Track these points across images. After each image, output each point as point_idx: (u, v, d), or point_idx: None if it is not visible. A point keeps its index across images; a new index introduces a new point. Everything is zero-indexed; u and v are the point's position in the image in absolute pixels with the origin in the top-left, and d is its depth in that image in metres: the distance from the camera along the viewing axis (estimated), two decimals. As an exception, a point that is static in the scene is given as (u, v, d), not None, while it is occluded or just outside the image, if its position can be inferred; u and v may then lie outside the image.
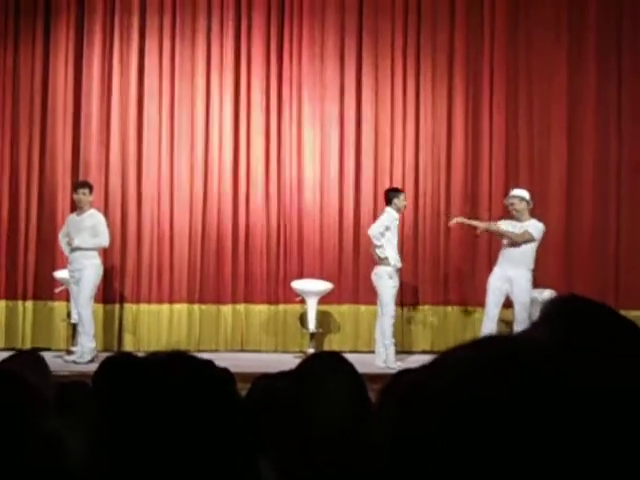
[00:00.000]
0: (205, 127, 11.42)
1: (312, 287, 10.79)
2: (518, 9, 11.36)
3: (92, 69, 11.43)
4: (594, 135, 11.24)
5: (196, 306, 11.26)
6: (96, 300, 10.42)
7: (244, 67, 11.44)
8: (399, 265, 9.94)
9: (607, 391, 0.69)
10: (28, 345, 10.85)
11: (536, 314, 0.82)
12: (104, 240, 10.02)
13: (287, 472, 2.20)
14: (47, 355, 5.08)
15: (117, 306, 11.27)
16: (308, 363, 2.61)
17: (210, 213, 11.35)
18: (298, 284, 10.86)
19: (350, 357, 2.72)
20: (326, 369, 2.52)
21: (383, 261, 9.81)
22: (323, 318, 11.00)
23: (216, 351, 10.77)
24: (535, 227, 9.64)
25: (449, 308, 11.20)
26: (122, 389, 1.50)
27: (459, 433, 0.68)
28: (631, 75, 11.22)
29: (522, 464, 0.67)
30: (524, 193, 9.83)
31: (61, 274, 10.57)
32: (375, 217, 10.88)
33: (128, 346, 10.94)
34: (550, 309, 0.79)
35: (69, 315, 10.77)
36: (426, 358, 0.81)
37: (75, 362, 9.67)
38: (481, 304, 10.03)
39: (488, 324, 9.55)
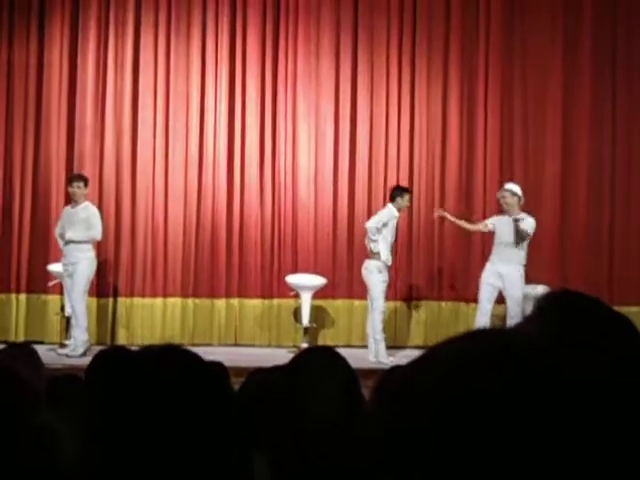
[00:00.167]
0: (200, 122, 11.41)
1: (306, 282, 10.79)
2: (513, 7, 11.37)
3: (87, 64, 11.41)
4: (588, 131, 11.26)
5: (190, 300, 11.25)
6: (90, 294, 10.41)
7: (239, 63, 11.43)
8: (389, 263, 9.95)
9: (599, 385, 0.69)
10: (21, 338, 10.84)
11: (529, 309, 0.82)
12: (97, 233, 10.01)
13: (281, 466, 2.20)
14: (40, 348, 5.08)
15: (111, 300, 11.26)
16: (302, 358, 2.61)
17: (204, 208, 11.34)
18: (292, 279, 10.87)
19: (344, 352, 2.72)
20: (319, 364, 2.53)
21: (374, 255, 9.82)
22: (317, 313, 11.00)
23: (210, 345, 10.77)
24: (529, 224, 9.66)
25: (443, 303, 11.22)
26: (115, 382, 1.50)
27: (451, 427, 0.68)
28: (625, 73, 11.24)
29: (515, 458, 0.67)
30: (516, 188, 9.88)
31: (55, 267, 10.56)
32: (370, 212, 10.89)
33: (121, 340, 10.93)
34: (543, 304, 0.79)
35: (62, 308, 10.76)
36: (419, 353, 0.81)
37: (68, 355, 9.66)
38: (475, 299, 10.06)
39: (481, 319, 9.58)
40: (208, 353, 1.71)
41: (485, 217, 10.53)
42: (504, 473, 0.67)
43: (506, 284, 9.59)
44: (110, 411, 1.46)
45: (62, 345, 10.36)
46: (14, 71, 11.44)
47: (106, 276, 11.18)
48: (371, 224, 9.90)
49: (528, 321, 0.77)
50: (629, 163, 11.25)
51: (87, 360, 3.47)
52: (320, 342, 10.74)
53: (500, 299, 9.78)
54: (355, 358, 3.43)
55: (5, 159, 11.42)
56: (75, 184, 10.07)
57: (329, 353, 2.64)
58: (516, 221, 9.58)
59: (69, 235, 9.86)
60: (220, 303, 11.25)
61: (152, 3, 11.41)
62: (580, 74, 11.27)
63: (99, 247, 10.51)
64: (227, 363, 2.60)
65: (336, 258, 11.26)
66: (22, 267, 11.29)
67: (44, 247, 11.13)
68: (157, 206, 11.34)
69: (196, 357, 1.55)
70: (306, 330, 10.69)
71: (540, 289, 9.72)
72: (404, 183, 10.89)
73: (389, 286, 10.12)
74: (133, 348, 1.99)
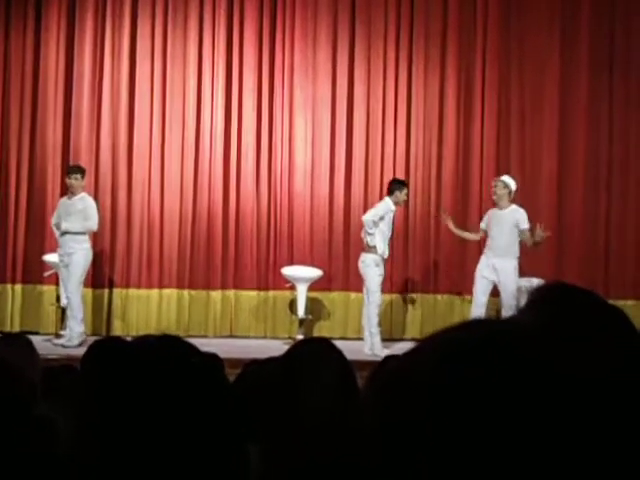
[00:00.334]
0: (196, 113, 11.40)
1: (302, 274, 10.79)
2: (511, 3, 11.36)
3: (83, 55, 11.39)
4: (585, 125, 11.27)
5: (185, 291, 11.25)
6: (85, 285, 10.41)
7: (236, 54, 11.41)
8: (386, 256, 9.94)
9: (592, 376, 0.69)
10: (17, 329, 10.82)
11: (524, 302, 0.82)
12: (94, 224, 10.01)
13: (275, 458, 2.21)
14: (36, 339, 5.08)
15: (106, 291, 11.26)
16: (297, 349, 2.61)
17: (200, 199, 11.34)
18: (288, 270, 10.87)
19: (339, 344, 2.72)
20: (315, 355, 2.53)
21: (371, 249, 9.81)
22: (313, 305, 11.01)
23: (205, 337, 10.78)
24: (524, 220, 9.71)
25: (438, 296, 11.23)
26: (110, 373, 1.50)
27: (445, 417, 0.68)
28: (623, 70, 11.24)
29: (508, 448, 0.67)
30: (510, 180, 9.91)
31: (51, 258, 10.55)
32: (366, 204, 10.90)
33: (117, 331, 10.92)
34: (537, 296, 0.80)
35: (58, 299, 10.76)
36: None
37: (64, 346, 9.66)
38: (470, 292, 10.09)
39: (476, 312, 9.60)
40: (203, 344, 1.71)
41: (481, 211, 10.55)
42: (499, 462, 0.67)
43: (500, 277, 9.63)
44: (106, 401, 1.46)
45: (58, 335, 10.35)
46: (10, 62, 11.43)
47: (102, 267, 11.18)
48: (368, 217, 9.88)
49: (522, 313, 0.78)
50: (626, 160, 11.26)
51: (83, 350, 3.47)
52: (316, 334, 10.73)
53: (495, 292, 9.80)
54: (350, 350, 3.43)
55: (1, 149, 11.41)
56: (73, 176, 10.06)
57: (325, 345, 2.65)
58: (522, 232, 9.67)
59: (65, 226, 9.85)
60: (216, 294, 11.25)
61: (149, -6, 11.40)
62: (577, 70, 11.27)
63: (95, 238, 10.51)
64: (222, 354, 2.60)
65: (332, 250, 11.27)
66: (18, 257, 11.29)
67: (40, 237, 11.13)
68: (153, 197, 11.33)
69: (192, 347, 1.55)
70: (302, 322, 10.70)
71: (535, 282, 9.74)
72: (400, 176, 10.88)
73: (385, 279, 10.13)
74: (128, 339, 1.99)
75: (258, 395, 2.39)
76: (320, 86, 11.40)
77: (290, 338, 10.41)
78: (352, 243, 10.95)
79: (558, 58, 11.27)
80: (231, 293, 11.28)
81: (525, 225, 9.70)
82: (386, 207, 9.91)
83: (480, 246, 10.40)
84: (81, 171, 10.17)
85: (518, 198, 10.04)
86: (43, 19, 11.43)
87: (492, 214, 9.86)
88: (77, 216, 9.91)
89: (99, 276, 11.15)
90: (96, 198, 10.55)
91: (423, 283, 11.27)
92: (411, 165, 11.36)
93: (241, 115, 11.40)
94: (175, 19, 11.40)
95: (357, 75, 11.41)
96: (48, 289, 11.10)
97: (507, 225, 9.68)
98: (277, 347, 8.78)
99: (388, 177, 10.75)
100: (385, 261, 9.99)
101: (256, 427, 2.17)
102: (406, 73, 11.40)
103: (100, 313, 11.17)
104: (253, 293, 11.26)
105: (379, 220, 9.80)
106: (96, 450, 1.44)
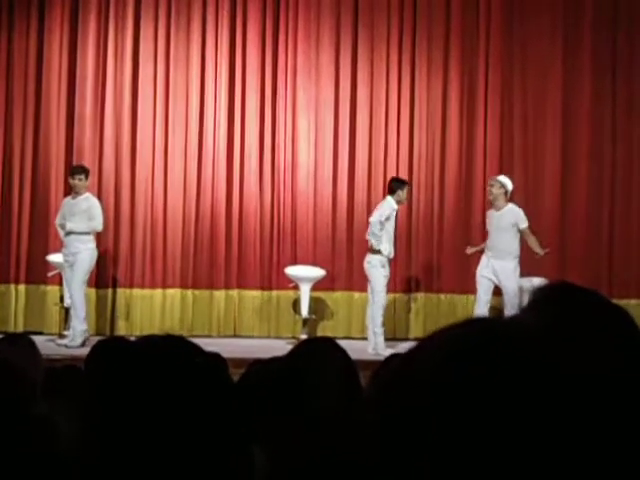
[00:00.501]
0: (199, 114, 11.41)
1: (305, 273, 10.80)
2: (513, 6, 11.36)
3: (87, 56, 11.40)
4: (588, 128, 11.27)
5: (189, 291, 11.26)
6: (89, 284, 10.42)
7: (239, 56, 11.42)
8: (391, 256, 9.95)
9: (595, 375, 0.69)
10: (20, 329, 10.83)
11: (526, 302, 0.82)
12: (98, 224, 10.02)
13: (280, 457, 2.21)
14: (39, 339, 5.08)
15: (110, 291, 11.27)
16: (301, 349, 2.61)
17: (204, 199, 11.34)
18: (291, 270, 10.87)
19: (343, 343, 2.73)
20: (319, 355, 2.53)
21: (376, 251, 9.80)
22: (316, 304, 11.01)
23: (209, 336, 10.78)
24: (522, 219, 9.72)
25: (442, 296, 11.23)
26: (114, 372, 1.50)
27: (448, 415, 0.69)
28: (625, 74, 11.24)
29: (511, 446, 0.67)
30: (506, 180, 9.93)
31: (54, 258, 10.56)
32: (369, 204, 10.90)
33: (121, 331, 10.93)
34: (539, 295, 0.80)
35: (62, 299, 10.76)
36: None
37: (67, 346, 9.67)
38: (473, 291, 10.12)
39: (479, 311, 9.64)
40: (207, 344, 1.71)
41: (484, 215, 10.54)
42: (502, 460, 0.68)
43: (500, 277, 9.67)
44: (109, 401, 1.46)
45: (61, 336, 10.36)
46: (14, 63, 11.44)
47: (105, 267, 11.18)
48: (375, 219, 9.84)
49: (524, 312, 0.78)
50: (629, 163, 11.27)
51: (86, 350, 3.48)
52: (319, 334, 10.74)
53: (498, 291, 9.83)
54: (354, 350, 3.43)
55: (5, 150, 11.42)
56: (76, 176, 10.07)
57: (329, 344, 2.65)
58: (523, 231, 9.69)
59: (70, 226, 9.86)
60: (219, 294, 11.25)
61: (152, -5, 11.41)
62: (580, 74, 11.27)
63: (98, 238, 10.51)
64: (226, 354, 2.60)
65: (335, 250, 11.27)
66: (21, 257, 11.30)
67: (43, 237, 11.14)
68: (156, 197, 11.34)
69: (196, 347, 1.55)
70: (305, 321, 10.70)
71: (536, 281, 9.74)
72: (403, 175, 10.87)
73: (389, 279, 10.13)
74: (132, 339, 1.99)
75: (262, 395, 2.39)
76: (323, 88, 11.41)
77: (294, 338, 10.41)
78: (355, 243, 10.95)
79: (561, 62, 11.27)
80: (235, 293, 11.28)
81: (524, 224, 9.70)
82: (390, 207, 9.90)
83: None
84: (85, 171, 10.18)
85: (521, 200, 10.04)
86: (46, 21, 11.44)
87: (490, 215, 9.90)
88: (81, 216, 9.91)
89: (103, 276, 11.15)
90: (100, 198, 10.55)
91: (426, 283, 11.27)
92: (414, 168, 11.36)
93: (244, 116, 11.41)
94: (178, 21, 11.41)
95: (360, 77, 11.42)
96: (52, 289, 11.11)
97: (505, 225, 9.69)
98: (281, 347, 8.78)
99: (391, 177, 10.74)
100: (391, 261, 9.99)
101: (260, 427, 2.17)
102: (409, 76, 11.41)
103: (104, 313, 11.17)
104: (257, 293, 11.26)
105: (385, 220, 9.79)
106: (100, 450, 1.45)
